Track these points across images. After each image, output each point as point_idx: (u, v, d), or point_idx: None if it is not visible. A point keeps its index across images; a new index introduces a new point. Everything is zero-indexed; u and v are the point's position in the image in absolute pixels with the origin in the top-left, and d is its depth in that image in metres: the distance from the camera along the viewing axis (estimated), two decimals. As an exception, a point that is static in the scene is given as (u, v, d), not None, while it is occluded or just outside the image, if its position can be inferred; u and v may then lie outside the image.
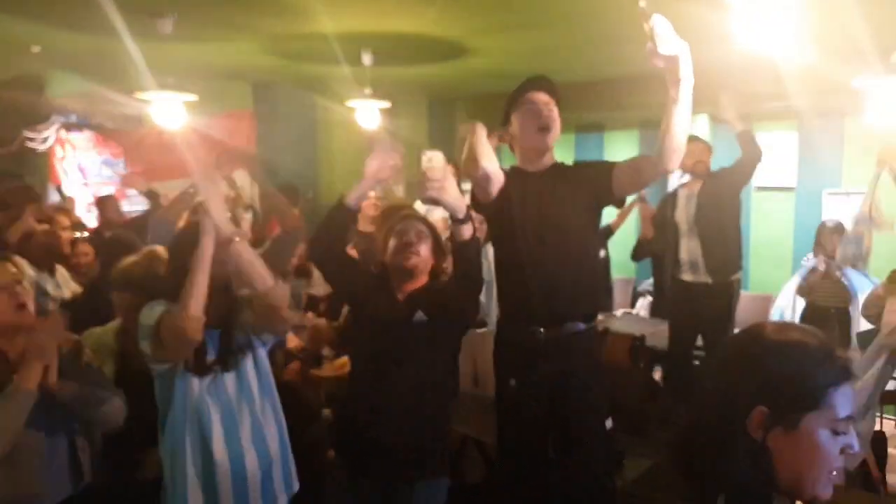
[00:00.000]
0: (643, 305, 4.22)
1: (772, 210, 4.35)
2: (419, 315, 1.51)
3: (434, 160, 1.36)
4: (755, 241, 4.29)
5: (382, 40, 3.28)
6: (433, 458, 1.55)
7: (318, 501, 1.61)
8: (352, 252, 1.81)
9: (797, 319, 3.30)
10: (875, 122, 3.21)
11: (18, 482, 1.28)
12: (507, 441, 1.71)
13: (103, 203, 3.62)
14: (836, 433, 0.68)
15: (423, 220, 1.60)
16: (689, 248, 2.95)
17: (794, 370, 0.69)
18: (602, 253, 3.49)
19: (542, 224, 1.57)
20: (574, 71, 4.00)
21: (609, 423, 1.64)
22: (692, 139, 2.85)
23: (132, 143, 4.54)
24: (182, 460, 1.37)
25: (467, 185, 1.70)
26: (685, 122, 1.39)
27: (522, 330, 1.59)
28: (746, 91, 2.78)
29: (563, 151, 1.69)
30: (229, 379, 1.42)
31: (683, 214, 2.98)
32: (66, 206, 4.16)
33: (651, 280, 4.37)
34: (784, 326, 0.74)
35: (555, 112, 1.61)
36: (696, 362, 3.08)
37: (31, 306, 1.35)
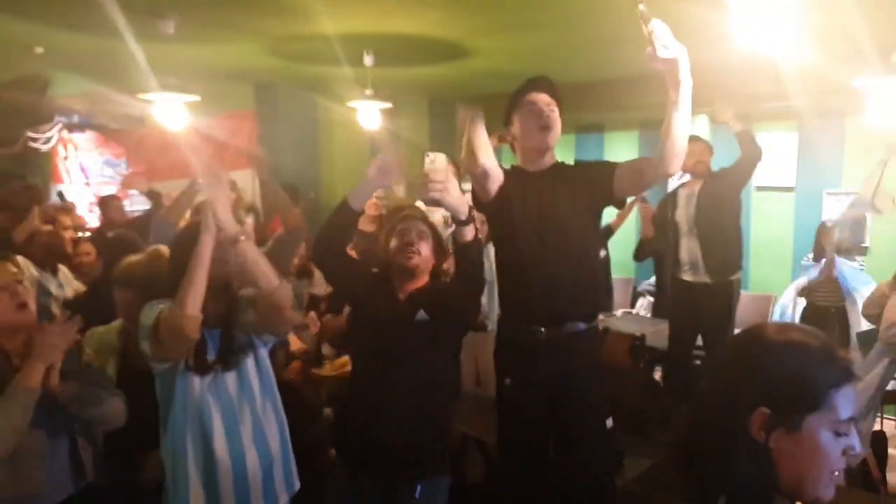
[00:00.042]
0: (643, 305, 4.22)
1: (772, 210, 4.35)
2: (421, 314, 1.51)
3: (437, 161, 1.37)
4: (755, 241, 4.30)
5: (383, 41, 3.29)
6: (434, 457, 1.55)
7: (318, 500, 1.61)
8: (351, 252, 1.81)
9: (797, 319, 3.30)
10: (875, 122, 3.21)
11: (20, 481, 1.29)
12: (507, 440, 1.71)
13: (105, 203, 3.63)
14: (837, 434, 0.68)
15: (425, 220, 1.60)
16: (689, 248, 2.96)
17: (795, 371, 0.69)
18: (602, 253, 3.49)
19: (543, 224, 1.58)
20: (574, 72, 4.01)
21: (609, 423, 1.64)
22: (693, 139, 2.85)
23: (133, 143, 4.56)
24: (183, 459, 1.38)
25: (468, 185, 1.71)
26: (685, 126, 1.40)
27: (523, 330, 1.60)
28: (746, 91, 2.79)
29: (563, 152, 1.69)
30: (230, 378, 1.42)
31: (684, 214, 2.99)
32: (68, 206, 4.17)
33: (651, 280, 4.38)
34: (785, 327, 0.74)
35: (556, 112, 1.62)
36: (697, 362, 3.08)
37: (33, 306, 1.36)
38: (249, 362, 1.46)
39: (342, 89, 4.32)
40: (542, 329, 1.58)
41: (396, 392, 1.50)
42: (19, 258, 2.39)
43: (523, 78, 1.67)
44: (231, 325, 1.44)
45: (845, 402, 0.68)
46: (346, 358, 2.60)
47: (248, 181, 3.90)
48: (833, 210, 3.95)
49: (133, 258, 1.67)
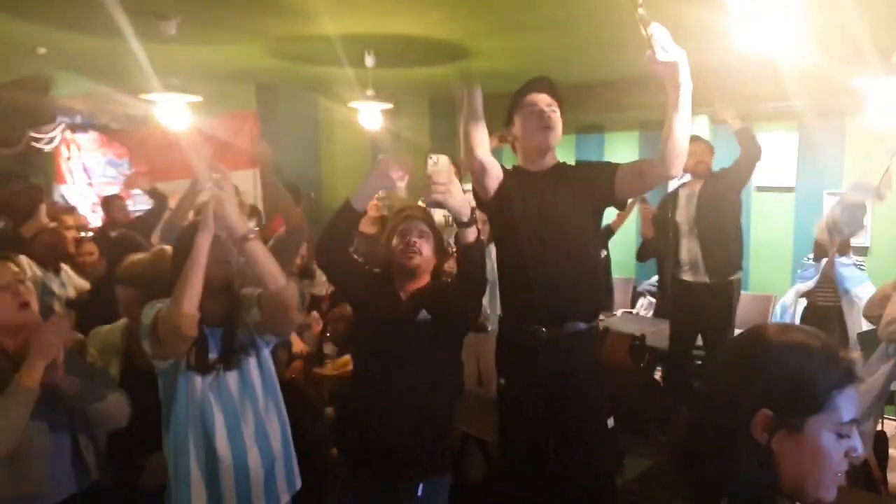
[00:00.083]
0: (643, 305, 4.22)
1: (772, 210, 4.35)
2: (422, 314, 1.52)
3: (439, 163, 1.38)
4: (755, 242, 4.30)
5: (385, 42, 3.30)
6: (435, 456, 1.56)
7: (320, 499, 1.62)
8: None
9: (798, 319, 3.30)
10: (875, 123, 3.21)
11: (22, 480, 1.29)
12: (508, 440, 1.71)
13: (108, 202, 3.65)
14: (840, 436, 0.68)
15: (426, 220, 1.61)
16: (689, 248, 2.96)
17: (797, 373, 0.68)
18: (603, 253, 3.49)
19: (544, 224, 1.58)
20: (575, 72, 4.02)
21: (611, 422, 1.65)
22: (694, 139, 2.85)
23: (135, 144, 4.58)
24: (185, 458, 1.38)
25: (468, 185, 1.72)
26: (686, 128, 1.40)
27: (524, 329, 1.60)
28: (746, 91, 2.79)
29: (563, 152, 1.70)
30: (232, 377, 1.43)
31: (684, 214, 2.99)
32: (70, 206, 4.19)
33: (652, 280, 4.38)
34: (786, 328, 0.73)
35: (557, 112, 1.62)
36: (698, 362, 3.08)
37: (35, 305, 1.36)
38: (252, 361, 1.46)
39: (343, 90, 4.33)
40: (543, 329, 1.58)
41: (398, 391, 1.50)
42: (22, 258, 2.41)
43: (524, 78, 1.67)
44: (233, 325, 1.44)
45: (848, 403, 0.68)
46: (347, 357, 2.60)
47: (249, 182, 3.91)
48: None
49: (136, 257, 1.68)
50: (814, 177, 4.16)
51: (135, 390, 1.47)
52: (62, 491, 1.34)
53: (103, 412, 1.39)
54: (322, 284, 3.14)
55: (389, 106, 4.00)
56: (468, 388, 2.48)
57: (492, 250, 1.95)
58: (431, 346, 1.53)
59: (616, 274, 4.06)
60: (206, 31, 3.13)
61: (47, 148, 4.44)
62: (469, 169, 1.60)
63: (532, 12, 2.80)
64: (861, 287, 3.08)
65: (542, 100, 1.61)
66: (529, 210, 1.60)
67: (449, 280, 1.67)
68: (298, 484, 1.55)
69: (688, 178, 3.00)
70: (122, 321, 1.65)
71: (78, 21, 2.89)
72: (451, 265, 1.74)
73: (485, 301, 2.16)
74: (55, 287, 2.65)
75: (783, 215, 4.32)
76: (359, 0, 2.65)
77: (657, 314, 3.88)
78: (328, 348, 2.77)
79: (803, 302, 3.35)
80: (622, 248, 4.04)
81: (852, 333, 3.00)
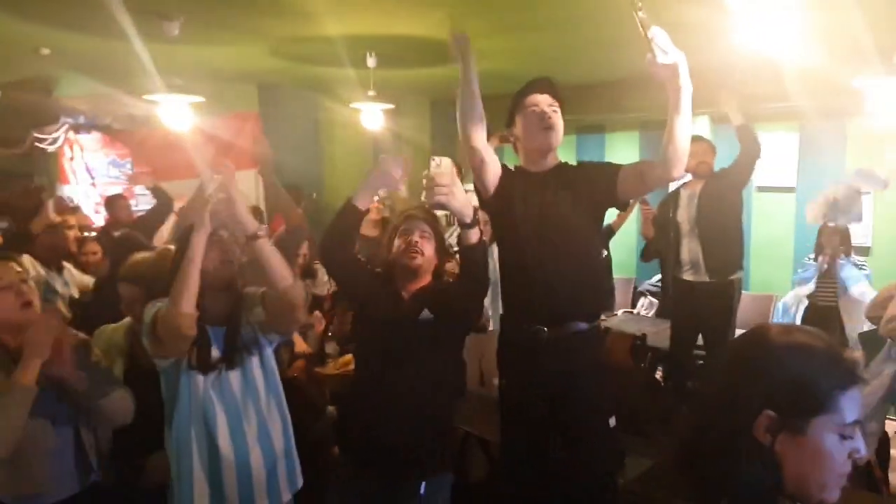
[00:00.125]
0: (644, 305, 4.22)
1: (773, 211, 4.35)
2: (425, 314, 1.52)
3: (442, 165, 1.38)
4: (756, 242, 4.30)
5: (386, 43, 3.31)
6: (437, 455, 1.57)
7: (321, 498, 1.63)
8: None
9: (799, 319, 3.30)
10: (877, 123, 3.21)
11: (24, 479, 1.29)
12: (509, 439, 1.72)
13: (111, 202, 3.66)
14: (843, 437, 0.68)
15: (427, 220, 1.62)
16: (690, 248, 2.96)
17: (800, 374, 0.68)
18: (603, 253, 3.49)
19: (546, 224, 1.59)
20: (575, 73, 4.02)
21: (612, 422, 1.65)
22: (696, 139, 2.85)
23: (138, 144, 4.59)
24: (188, 457, 1.39)
25: (470, 186, 1.73)
26: (687, 130, 1.41)
27: (526, 329, 1.61)
28: (747, 92, 2.78)
29: (564, 152, 1.70)
30: (234, 376, 1.43)
31: (685, 214, 2.99)
32: (73, 206, 4.20)
33: (652, 280, 4.38)
34: (789, 329, 0.73)
35: (558, 113, 1.62)
36: (700, 362, 3.08)
37: (37, 305, 1.37)
38: (254, 361, 1.47)
39: (345, 90, 4.34)
40: (545, 329, 1.58)
41: (400, 390, 1.51)
42: (25, 257, 2.43)
43: (524, 79, 1.68)
44: (236, 324, 1.45)
45: (851, 405, 0.68)
46: (349, 357, 2.61)
47: (250, 182, 3.92)
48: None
49: (140, 255, 1.69)
50: (815, 177, 4.16)
51: (138, 389, 1.47)
52: (64, 490, 1.34)
53: (108, 409, 1.40)
54: (323, 284, 3.15)
55: (391, 106, 4.02)
56: (470, 387, 2.48)
57: (494, 250, 1.96)
58: (433, 346, 1.54)
59: (616, 274, 4.06)
60: (209, 32, 3.14)
61: (51, 148, 4.45)
62: (469, 162, 1.60)
63: (533, 12, 2.81)
64: (860, 286, 3.08)
65: (544, 100, 1.62)
66: (531, 210, 1.60)
67: (451, 280, 1.67)
68: (300, 482, 1.56)
69: (689, 177, 3.00)
70: (126, 320, 1.65)
71: (81, 22, 2.90)
72: (451, 266, 1.75)
73: (486, 301, 2.16)
74: (58, 286, 2.66)
75: (784, 215, 4.32)
76: (360, 1, 2.66)
77: (659, 314, 3.88)
78: (330, 348, 2.78)
79: (805, 302, 3.34)
80: (622, 248, 4.05)
81: (851, 333, 3.00)
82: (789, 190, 4.29)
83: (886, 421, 2.62)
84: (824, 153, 3.98)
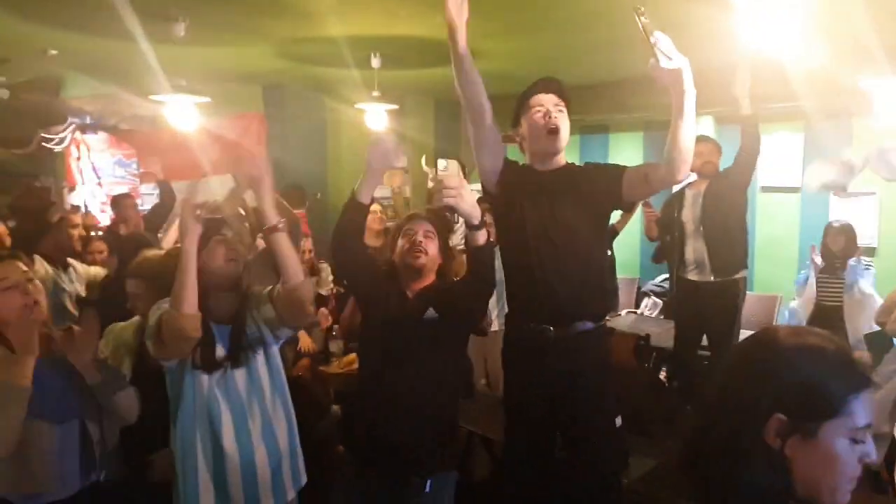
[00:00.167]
0: (648, 305, 4.22)
1: (777, 211, 4.33)
2: (430, 312, 1.53)
3: (450, 168, 1.39)
4: (760, 242, 4.28)
5: (390, 43, 3.32)
6: (442, 453, 1.57)
7: (326, 495, 1.64)
8: None
9: (805, 320, 3.27)
10: (883, 123, 3.19)
11: (28, 478, 1.30)
12: (514, 439, 1.72)
13: (118, 201, 3.69)
14: (854, 442, 0.67)
15: (431, 220, 1.62)
16: (695, 248, 2.95)
17: (812, 378, 0.67)
18: (607, 253, 3.49)
19: (551, 223, 1.59)
20: (579, 73, 4.02)
21: (618, 421, 1.65)
22: (702, 139, 2.84)
23: (144, 144, 4.62)
24: (192, 454, 1.40)
25: (477, 185, 1.73)
26: (691, 134, 1.40)
27: (532, 329, 1.61)
28: (751, 92, 2.76)
29: (568, 153, 1.70)
30: (240, 375, 1.44)
31: (690, 214, 2.98)
32: (77, 206, 4.24)
33: (657, 280, 4.37)
34: (798, 331, 0.72)
35: (564, 112, 1.62)
36: (705, 362, 3.07)
37: (44, 304, 1.38)
38: (259, 359, 1.48)
39: (349, 91, 4.35)
40: (551, 328, 1.58)
41: (405, 388, 1.51)
42: (36, 257, 2.45)
43: (529, 80, 1.67)
44: (241, 322, 1.46)
45: (863, 408, 0.67)
46: (353, 356, 2.63)
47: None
48: (840, 211, 3.93)
49: (150, 253, 1.70)
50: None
51: (146, 387, 1.48)
52: (66, 489, 1.35)
53: (121, 406, 1.40)
54: (327, 284, 3.17)
55: (395, 107, 4.03)
56: (476, 387, 2.49)
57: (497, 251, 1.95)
58: (438, 345, 1.54)
59: (620, 274, 4.05)
60: (215, 33, 3.16)
61: (58, 148, 4.49)
62: (473, 136, 1.58)
63: (537, 13, 2.81)
64: (866, 286, 3.07)
65: (549, 100, 1.61)
66: (537, 209, 1.60)
67: (455, 279, 1.68)
68: (304, 480, 1.56)
69: (694, 177, 3.00)
70: (136, 319, 1.67)
71: (88, 23, 2.93)
72: (459, 265, 1.75)
73: (491, 302, 2.16)
74: (66, 285, 2.68)
75: (789, 216, 4.30)
76: (365, 2, 2.67)
77: (666, 315, 3.87)
78: (334, 347, 2.79)
79: (811, 306, 3.32)
80: (626, 248, 4.04)
81: (856, 333, 2.99)
82: (794, 190, 4.28)
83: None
84: (829, 153, 3.96)
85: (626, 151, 4.95)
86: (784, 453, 0.67)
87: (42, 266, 2.55)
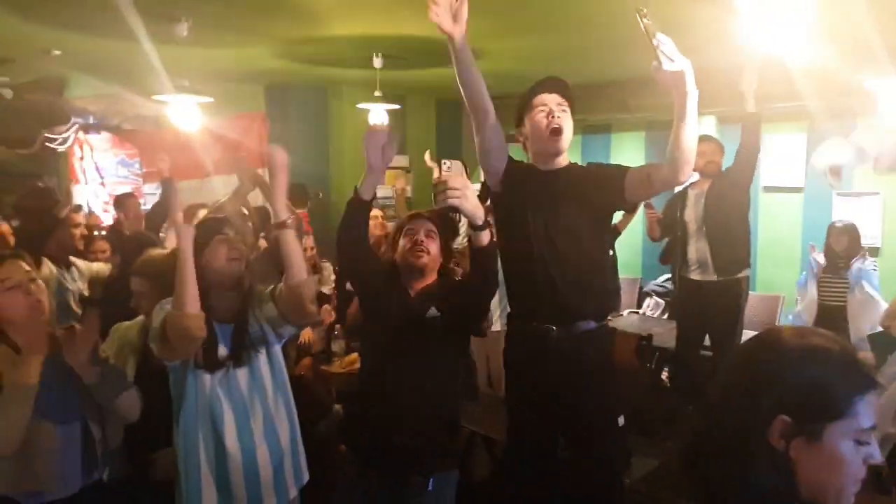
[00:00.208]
0: (650, 305, 4.21)
1: (780, 211, 4.32)
2: (432, 311, 1.53)
3: (453, 168, 1.39)
4: (763, 242, 4.27)
5: (392, 43, 3.32)
6: (444, 451, 1.57)
7: (328, 494, 1.64)
8: None
9: (810, 320, 3.26)
10: (887, 123, 3.18)
11: (30, 477, 1.31)
12: (516, 439, 1.72)
13: (121, 201, 3.70)
14: (859, 443, 0.67)
15: (432, 220, 1.63)
16: (697, 248, 2.95)
17: (817, 379, 0.67)
18: (609, 253, 3.48)
19: (554, 223, 1.59)
20: (582, 73, 4.02)
21: (621, 421, 1.65)
22: (705, 139, 2.83)
23: (147, 144, 4.63)
24: (195, 453, 1.40)
25: (476, 185, 1.73)
26: (693, 136, 1.40)
27: (534, 328, 1.61)
28: (756, 91, 2.75)
29: (569, 152, 1.70)
30: (242, 374, 1.45)
31: (692, 214, 2.98)
32: (79, 205, 4.25)
33: (659, 280, 4.36)
34: (802, 332, 0.71)
35: (567, 112, 1.62)
36: (707, 362, 3.07)
37: (46, 303, 1.38)
38: (262, 358, 1.48)
39: (351, 91, 4.37)
40: (554, 328, 1.59)
41: (407, 388, 1.52)
42: (43, 259, 2.45)
43: (531, 79, 1.67)
44: (244, 321, 1.46)
45: (868, 410, 0.67)
46: (354, 355, 2.63)
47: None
48: (843, 211, 3.92)
49: (155, 251, 1.71)
50: (823, 177, 4.12)
51: (150, 386, 1.49)
52: (68, 487, 1.35)
53: (122, 407, 1.41)
54: (328, 282, 3.18)
55: (397, 107, 4.04)
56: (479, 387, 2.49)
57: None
58: (440, 343, 1.55)
59: (622, 274, 4.04)
60: (217, 34, 3.17)
61: (61, 148, 4.50)
62: (477, 134, 1.57)
63: (539, 13, 2.81)
64: (869, 286, 3.05)
65: (552, 100, 1.61)
66: (539, 209, 1.60)
67: (457, 278, 1.68)
68: (306, 478, 1.57)
69: (697, 177, 2.99)
70: (140, 318, 1.67)
71: (91, 23, 2.94)
72: (462, 265, 1.75)
73: (493, 302, 2.16)
74: (69, 284, 2.69)
75: (792, 216, 4.29)
76: (367, 2, 2.67)
77: (668, 315, 3.86)
78: (336, 346, 2.80)
79: (814, 308, 3.30)
80: (628, 248, 4.04)
81: (859, 333, 2.97)
82: (797, 190, 4.27)
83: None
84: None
85: (628, 151, 4.94)
86: (788, 455, 0.67)
87: (47, 266, 2.56)
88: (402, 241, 1.61)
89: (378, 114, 3.95)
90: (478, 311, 1.62)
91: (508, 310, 1.76)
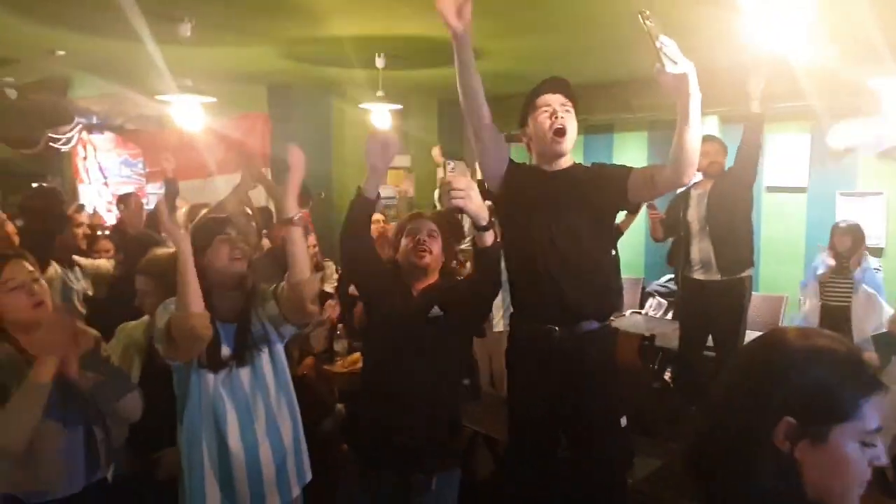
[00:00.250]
0: (652, 305, 4.20)
1: (784, 211, 4.31)
2: (435, 310, 1.53)
3: (458, 169, 1.39)
4: (766, 242, 4.26)
5: (395, 44, 3.33)
6: (446, 450, 1.58)
7: (330, 494, 1.64)
8: None
9: (817, 322, 3.25)
10: (892, 123, 3.16)
11: (31, 476, 1.31)
12: (517, 438, 1.72)
13: (125, 201, 3.71)
14: (865, 445, 0.66)
15: (434, 220, 1.63)
16: (700, 248, 2.95)
17: (823, 381, 0.66)
18: (612, 253, 3.47)
19: (557, 224, 1.58)
20: (584, 73, 4.01)
21: (624, 422, 1.65)
22: (708, 139, 2.82)
23: (150, 144, 4.65)
24: (198, 452, 1.41)
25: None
26: (696, 137, 1.40)
27: (537, 328, 1.61)
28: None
29: (572, 152, 1.70)
30: (244, 373, 1.45)
31: (695, 214, 2.98)
32: (82, 205, 4.27)
33: (661, 280, 4.35)
34: (807, 333, 0.71)
35: (571, 112, 1.61)
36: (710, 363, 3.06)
37: (50, 304, 1.38)
38: (264, 357, 1.49)
39: (354, 91, 4.37)
40: (557, 328, 1.58)
41: (409, 387, 1.52)
42: (52, 262, 2.46)
43: (534, 79, 1.67)
44: (247, 320, 1.46)
45: (873, 412, 0.66)
46: (357, 355, 2.63)
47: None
48: (846, 211, 3.91)
49: (160, 250, 1.71)
50: (827, 177, 4.11)
51: (156, 385, 1.49)
52: (71, 487, 1.35)
53: (121, 410, 1.41)
54: (331, 280, 3.18)
55: (399, 107, 4.04)
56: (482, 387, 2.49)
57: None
58: (442, 342, 1.55)
59: (624, 274, 4.03)
60: (220, 34, 3.18)
61: (65, 148, 4.53)
62: (473, 136, 1.58)
63: (542, 13, 2.81)
64: (873, 287, 3.04)
65: (556, 100, 1.61)
66: (543, 210, 1.60)
67: (459, 278, 1.68)
68: (309, 476, 1.57)
69: (700, 177, 2.98)
70: (146, 318, 1.68)
71: (95, 24, 2.95)
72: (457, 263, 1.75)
73: (496, 302, 2.16)
74: (73, 283, 2.71)
75: (795, 216, 4.28)
76: (369, 2, 2.68)
77: (671, 315, 3.85)
78: (338, 346, 2.80)
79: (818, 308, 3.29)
80: (630, 248, 4.03)
81: (862, 333, 2.96)
82: (800, 190, 4.25)
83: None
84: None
85: (630, 151, 4.93)
86: (794, 457, 0.66)
87: (52, 266, 2.57)
88: (404, 241, 1.61)
89: (380, 114, 3.96)
90: (481, 311, 1.62)
91: (511, 310, 1.76)
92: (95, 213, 4.46)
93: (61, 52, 3.55)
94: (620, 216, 3.43)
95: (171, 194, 3.14)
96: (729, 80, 2.72)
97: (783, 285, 4.01)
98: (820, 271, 3.24)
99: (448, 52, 1.48)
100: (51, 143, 4.38)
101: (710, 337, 3.04)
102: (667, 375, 3.42)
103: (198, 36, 2.95)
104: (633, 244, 4.35)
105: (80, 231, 3.15)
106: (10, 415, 1.23)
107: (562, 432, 1.69)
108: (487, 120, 1.56)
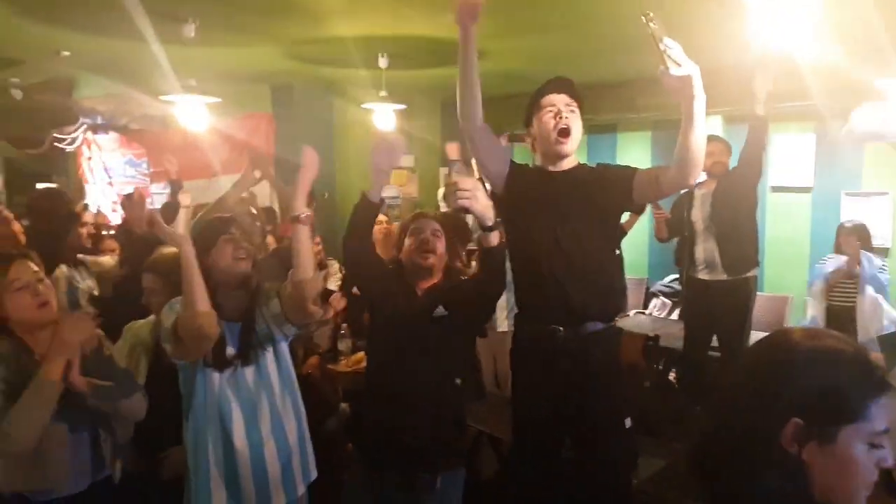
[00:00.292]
0: (657, 306, 4.20)
1: (788, 211, 4.29)
2: (439, 310, 1.54)
3: (459, 168, 1.40)
4: (771, 242, 4.24)
5: (398, 43, 3.33)
6: (450, 450, 1.58)
7: (335, 493, 1.65)
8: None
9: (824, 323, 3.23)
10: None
11: (37, 475, 1.32)
12: (522, 438, 1.72)
13: (129, 200, 3.73)
14: (872, 447, 0.66)
15: (438, 220, 1.63)
16: (705, 248, 2.94)
17: (831, 382, 0.66)
18: (616, 253, 3.47)
19: (562, 224, 1.58)
20: (588, 73, 4.00)
21: (628, 422, 1.64)
22: (712, 139, 2.81)
23: (154, 144, 4.67)
24: (204, 451, 1.42)
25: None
26: (701, 139, 1.39)
27: (541, 329, 1.61)
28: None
29: (576, 152, 1.70)
30: (249, 372, 1.46)
31: (699, 214, 2.97)
32: (86, 204, 4.29)
33: (665, 280, 4.35)
34: (814, 334, 0.70)
35: (576, 112, 1.61)
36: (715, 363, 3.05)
37: (54, 304, 1.39)
38: (269, 356, 1.49)
39: (357, 91, 4.37)
40: (561, 329, 1.58)
41: (414, 386, 1.52)
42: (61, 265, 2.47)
43: (537, 79, 1.67)
44: (251, 319, 1.47)
45: (881, 413, 0.66)
46: (361, 354, 2.64)
47: (263, 183, 3.97)
48: (852, 211, 3.88)
49: (167, 249, 1.72)
50: (832, 177, 4.09)
51: (161, 384, 1.50)
52: (77, 485, 1.36)
53: (125, 410, 1.42)
54: (334, 277, 3.18)
55: (402, 107, 4.04)
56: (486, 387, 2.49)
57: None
58: (446, 342, 1.55)
59: (628, 274, 4.03)
60: (224, 34, 3.19)
61: (69, 148, 4.55)
62: (477, 158, 1.59)
63: (546, 13, 2.80)
64: (879, 287, 3.02)
65: (561, 100, 1.61)
66: (547, 210, 1.60)
67: (464, 277, 1.68)
68: (314, 474, 1.58)
69: (704, 177, 2.97)
70: (152, 317, 1.68)
71: (100, 24, 2.96)
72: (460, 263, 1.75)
73: (500, 302, 2.16)
74: (79, 283, 2.72)
75: (800, 216, 4.26)
76: (372, 2, 2.68)
77: (675, 315, 3.84)
78: (342, 345, 2.81)
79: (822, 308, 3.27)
80: (634, 248, 4.02)
81: (867, 334, 2.95)
82: (805, 190, 4.23)
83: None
84: (842, 154, 3.91)
85: (634, 151, 4.92)
86: (801, 459, 0.66)
87: (60, 268, 2.59)
88: (407, 241, 1.61)
89: (383, 114, 3.96)
90: (486, 311, 1.62)
91: (516, 310, 1.76)
92: (100, 212, 4.48)
93: (66, 53, 3.57)
94: (624, 216, 3.43)
95: (172, 194, 3.15)
96: (733, 79, 2.71)
97: (788, 286, 3.99)
98: (829, 270, 3.21)
99: (451, 52, 1.48)
100: (56, 143, 4.41)
101: (714, 337, 3.04)
102: (671, 376, 3.41)
103: (202, 36, 2.96)
104: (636, 244, 4.34)
105: (84, 231, 3.17)
106: (21, 412, 1.24)
107: (566, 433, 1.69)
108: (479, 119, 1.57)
